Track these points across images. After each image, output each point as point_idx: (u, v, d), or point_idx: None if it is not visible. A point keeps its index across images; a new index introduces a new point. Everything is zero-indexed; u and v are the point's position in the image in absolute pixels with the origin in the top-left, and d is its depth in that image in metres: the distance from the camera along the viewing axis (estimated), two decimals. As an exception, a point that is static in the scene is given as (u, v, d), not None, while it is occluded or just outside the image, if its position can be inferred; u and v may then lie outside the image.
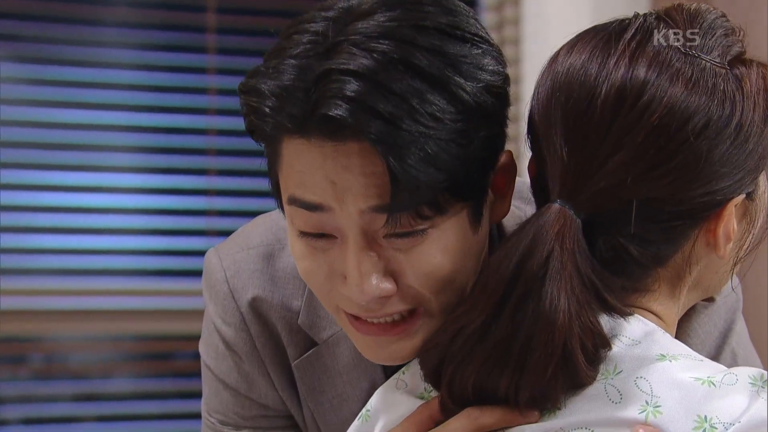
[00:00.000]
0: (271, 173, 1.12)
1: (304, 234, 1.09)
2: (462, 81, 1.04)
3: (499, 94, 1.08)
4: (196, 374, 1.41)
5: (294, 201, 1.08)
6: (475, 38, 1.07)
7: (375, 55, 1.02)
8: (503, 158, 1.12)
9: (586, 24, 1.12)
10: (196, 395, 1.40)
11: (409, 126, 1.01)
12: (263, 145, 1.12)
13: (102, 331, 2.79)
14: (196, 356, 1.39)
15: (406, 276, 1.08)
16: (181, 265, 2.81)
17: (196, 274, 2.98)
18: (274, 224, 1.33)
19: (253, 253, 1.31)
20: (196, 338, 1.38)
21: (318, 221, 1.07)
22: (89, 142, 2.76)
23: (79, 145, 2.75)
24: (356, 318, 1.12)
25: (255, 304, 1.30)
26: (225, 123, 2.84)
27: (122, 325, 2.78)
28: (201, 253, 1.38)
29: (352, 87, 1.01)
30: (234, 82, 2.84)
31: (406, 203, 1.04)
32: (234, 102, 2.99)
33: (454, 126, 1.03)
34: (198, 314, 1.38)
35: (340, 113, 1.01)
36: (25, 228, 2.72)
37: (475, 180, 1.08)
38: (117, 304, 2.76)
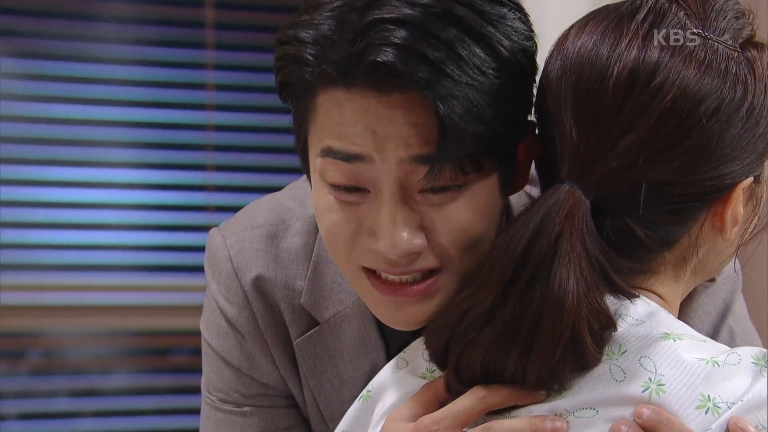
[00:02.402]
0: (300, 130, 1.12)
1: (335, 187, 1.09)
2: (502, 38, 1.06)
3: (532, 59, 1.10)
4: (194, 370, 1.40)
5: (330, 152, 1.08)
6: (512, 4, 1.09)
7: (418, 8, 1.03)
8: (528, 127, 1.13)
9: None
10: (194, 391, 1.40)
11: (456, 75, 1.03)
12: (292, 101, 1.11)
13: (100, 327, 2.79)
14: (194, 352, 1.39)
15: (437, 232, 1.08)
16: (180, 261, 2.81)
17: (195, 269, 2.99)
18: (278, 204, 1.34)
19: (257, 233, 1.31)
20: (195, 334, 1.38)
21: (354, 173, 1.07)
22: (87, 137, 2.76)
23: (77, 141, 2.75)
24: (377, 278, 1.12)
25: (258, 283, 1.30)
26: (223, 119, 2.84)
27: (120, 321, 2.78)
28: (199, 249, 1.37)
29: (400, 34, 1.02)
30: (232, 77, 2.88)
31: (451, 155, 1.05)
32: (232, 98, 3.01)
33: (496, 81, 1.05)
34: (196, 310, 1.38)
35: (389, 59, 1.01)
36: (24, 224, 2.71)
37: (509, 140, 1.09)
38: (115, 300, 2.76)
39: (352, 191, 1.08)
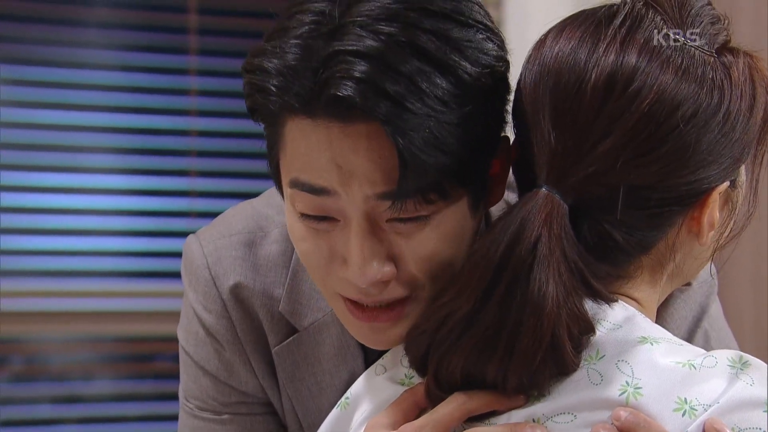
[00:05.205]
0: (271, 155, 1.12)
1: (305, 216, 1.09)
2: (467, 65, 1.05)
3: (501, 78, 1.10)
4: (177, 376, 1.40)
5: (297, 184, 1.08)
6: (479, 24, 1.08)
7: (382, 37, 1.03)
8: (502, 143, 1.13)
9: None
10: (177, 397, 1.40)
11: (417, 108, 1.02)
12: (263, 126, 1.12)
13: (82, 333, 2.78)
14: (177, 358, 1.38)
15: (405, 260, 1.09)
16: (163, 267, 2.81)
17: (178, 275, 2.97)
18: (255, 212, 1.33)
19: (235, 240, 1.31)
20: (177, 340, 1.37)
21: (321, 204, 1.08)
22: (69, 143, 2.75)
23: (60, 147, 2.75)
24: (354, 304, 1.12)
25: (236, 291, 1.30)
26: (206, 124, 2.84)
27: (103, 327, 2.78)
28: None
29: (360, 68, 1.02)
30: (216, 83, 2.87)
31: (413, 188, 1.05)
32: (215, 103, 3.00)
33: (460, 110, 1.05)
34: (179, 316, 1.38)
35: (349, 93, 1.01)
36: (4, 229, 2.71)
37: (477, 165, 1.09)
38: (98, 306, 2.76)
39: (321, 220, 1.09)
